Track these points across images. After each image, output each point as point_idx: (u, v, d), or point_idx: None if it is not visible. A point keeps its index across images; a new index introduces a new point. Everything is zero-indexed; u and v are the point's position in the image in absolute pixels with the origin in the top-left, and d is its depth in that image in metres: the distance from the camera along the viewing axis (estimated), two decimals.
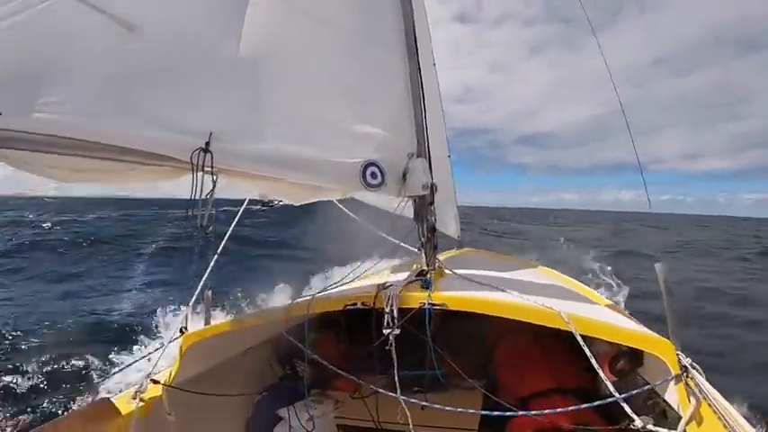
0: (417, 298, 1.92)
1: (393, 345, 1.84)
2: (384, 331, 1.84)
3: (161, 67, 1.97)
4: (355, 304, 1.97)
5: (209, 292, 2.24)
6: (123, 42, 1.96)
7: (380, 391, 1.96)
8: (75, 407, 1.90)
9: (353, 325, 2.44)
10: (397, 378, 1.84)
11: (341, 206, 3.21)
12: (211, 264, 2.08)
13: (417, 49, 2.35)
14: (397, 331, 1.85)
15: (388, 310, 1.85)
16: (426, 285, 2.04)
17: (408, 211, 2.47)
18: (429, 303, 1.87)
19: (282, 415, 2.40)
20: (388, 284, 2.04)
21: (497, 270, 2.65)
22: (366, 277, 2.53)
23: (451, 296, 1.92)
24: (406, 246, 2.70)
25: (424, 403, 1.91)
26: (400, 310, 1.88)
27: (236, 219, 2.63)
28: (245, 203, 2.77)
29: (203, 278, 2.05)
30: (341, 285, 2.36)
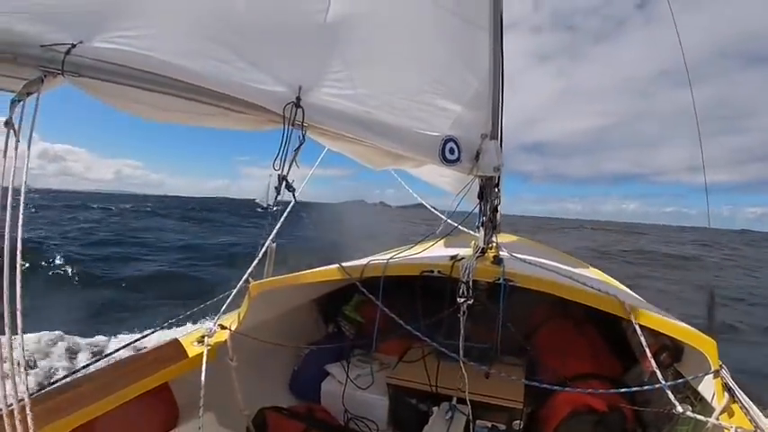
0: (492, 272, 1.97)
1: (464, 314, 1.89)
2: (459, 299, 1.89)
3: (257, 16, 1.97)
4: (432, 271, 2.02)
5: (274, 245, 2.28)
6: None
7: (443, 351, 1.95)
8: (145, 347, 1.94)
9: (397, 291, 2.50)
10: (461, 344, 1.91)
11: (402, 182, 3.20)
12: (281, 220, 2.11)
13: (502, 31, 2.36)
14: (471, 301, 1.90)
15: (464, 279, 1.89)
16: (498, 261, 2.10)
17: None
18: (504, 278, 1.93)
19: (330, 371, 2.49)
20: (459, 257, 2.09)
21: (542, 256, 2.73)
22: (426, 250, 2.57)
23: (522, 274, 1.97)
24: (463, 228, 2.74)
25: (480, 366, 2.02)
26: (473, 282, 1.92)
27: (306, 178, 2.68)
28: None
29: (272, 232, 2.09)
30: (404, 255, 2.41)
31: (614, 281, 3.08)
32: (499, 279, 1.92)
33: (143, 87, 1.85)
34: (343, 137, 1.98)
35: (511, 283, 1.91)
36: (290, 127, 1.85)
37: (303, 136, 1.89)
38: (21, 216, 1.37)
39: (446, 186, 2.78)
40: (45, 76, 1.78)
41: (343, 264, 2.08)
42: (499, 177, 2.33)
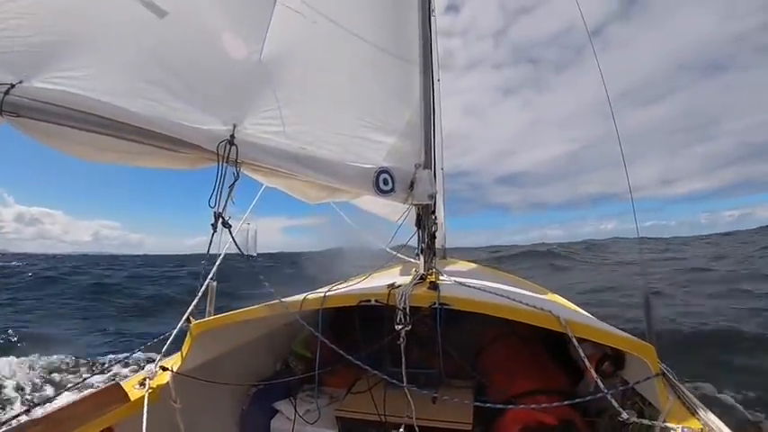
0: (427, 297, 2.02)
1: (404, 340, 1.93)
2: (396, 327, 1.92)
3: (190, 57, 2.04)
4: (369, 300, 2.05)
5: (215, 284, 2.30)
6: (154, 27, 2.02)
7: (388, 379, 1.96)
8: (86, 391, 1.90)
9: (341, 323, 2.53)
10: (404, 371, 1.94)
11: (342, 214, 3.29)
12: (221, 257, 2.15)
13: (433, 66, 2.50)
14: (409, 327, 1.93)
15: (401, 306, 1.94)
16: (434, 287, 2.16)
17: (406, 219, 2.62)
18: (439, 303, 1.97)
19: (278, 408, 2.49)
20: (397, 284, 2.14)
21: (487, 279, 2.83)
22: (365, 281, 2.64)
23: (458, 297, 2.02)
24: (401, 256, 2.83)
25: (425, 392, 2.04)
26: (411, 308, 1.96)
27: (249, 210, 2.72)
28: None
29: (212, 270, 2.12)
30: (344, 286, 2.46)
31: (561, 299, 3.17)
32: (435, 304, 1.96)
33: (80, 128, 1.87)
34: (278, 172, 2.06)
35: (446, 307, 1.96)
36: (225, 164, 1.92)
37: (237, 172, 1.96)
38: None
39: (390, 216, 2.89)
40: None
41: (284, 299, 2.09)
42: (435, 204, 2.45)
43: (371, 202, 2.82)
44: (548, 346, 2.75)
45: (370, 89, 2.34)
